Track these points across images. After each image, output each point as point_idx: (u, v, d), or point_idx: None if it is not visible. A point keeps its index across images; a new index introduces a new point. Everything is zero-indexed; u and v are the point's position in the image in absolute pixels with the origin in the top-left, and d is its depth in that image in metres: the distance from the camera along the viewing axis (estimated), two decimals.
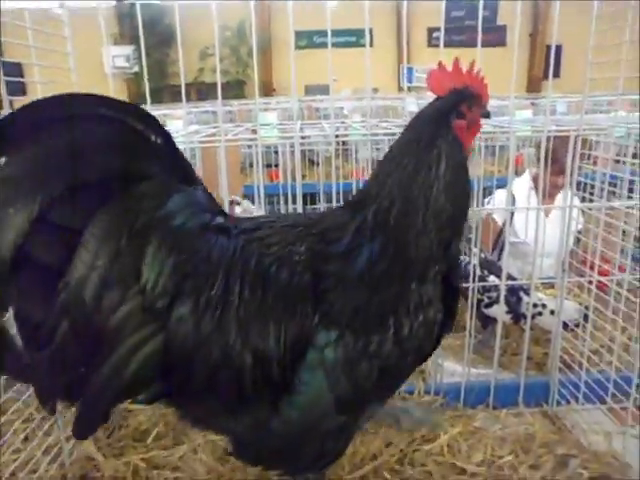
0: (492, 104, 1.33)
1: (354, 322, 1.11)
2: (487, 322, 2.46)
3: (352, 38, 11.86)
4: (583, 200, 2.41)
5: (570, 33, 3.80)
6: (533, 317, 2.22)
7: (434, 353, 1.35)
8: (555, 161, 2.62)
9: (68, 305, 0.97)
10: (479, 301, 2.31)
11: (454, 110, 1.18)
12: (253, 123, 2.20)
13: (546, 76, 12.72)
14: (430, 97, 1.24)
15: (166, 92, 10.94)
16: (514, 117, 1.97)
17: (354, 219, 1.17)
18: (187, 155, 1.52)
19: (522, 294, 2.36)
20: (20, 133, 0.94)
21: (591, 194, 2.34)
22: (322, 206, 2.10)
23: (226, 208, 1.80)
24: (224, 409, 1.15)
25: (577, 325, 2.11)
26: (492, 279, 2.31)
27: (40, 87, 1.56)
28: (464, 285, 1.98)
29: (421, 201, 1.14)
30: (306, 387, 1.11)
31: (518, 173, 3.51)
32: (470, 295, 2.02)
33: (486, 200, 3.00)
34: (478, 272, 2.06)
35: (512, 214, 2.24)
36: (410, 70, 10.00)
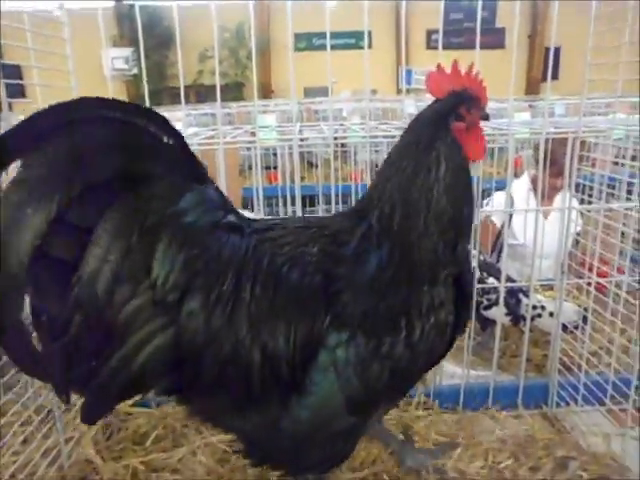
0: (491, 106, 1.33)
1: (366, 324, 1.11)
2: (486, 324, 2.46)
3: (351, 40, 11.88)
4: (582, 202, 2.42)
5: (569, 34, 3.80)
6: (532, 319, 2.22)
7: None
8: (554, 163, 2.61)
9: (81, 299, 0.98)
10: (478, 303, 2.31)
11: (453, 112, 1.19)
12: (252, 125, 2.20)
13: (545, 78, 12.73)
14: (429, 99, 1.24)
15: (165, 94, 10.93)
16: (513, 119, 1.97)
17: (359, 225, 1.18)
18: None
19: (521, 296, 2.37)
20: (36, 137, 0.95)
21: (590, 196, 2.34)
22: (321, 208, 2.10)
23: None
24: (233, 406, 1.16)
25: (576, 327, 2.11)
26: (491, 281, 2.31)
27: (39, 89, 1.57)
28: None
29: (422, 203, 1.14)
30: (317, 387, 1.11)
31: (517, 175, 3.52)
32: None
33: (485, 202, 3.00)
34: (477, 274, 2.06)
35: (511, 216, 2.24)
36: (409, 72, 10.04)
